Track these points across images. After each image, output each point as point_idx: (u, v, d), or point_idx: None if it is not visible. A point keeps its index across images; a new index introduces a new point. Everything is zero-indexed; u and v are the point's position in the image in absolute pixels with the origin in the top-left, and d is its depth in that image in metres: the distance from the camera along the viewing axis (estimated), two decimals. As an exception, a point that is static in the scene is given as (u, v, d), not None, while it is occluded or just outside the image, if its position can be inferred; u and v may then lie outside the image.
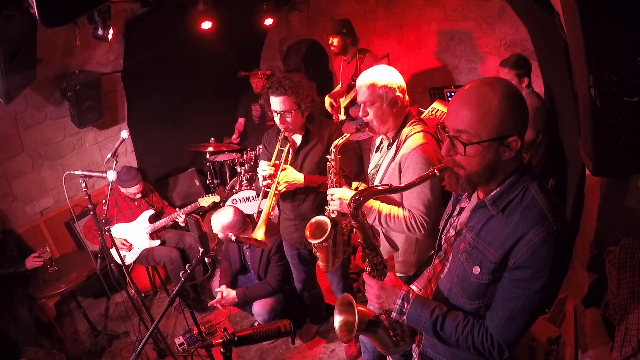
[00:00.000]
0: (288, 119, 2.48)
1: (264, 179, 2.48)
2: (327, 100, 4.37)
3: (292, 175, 2.50)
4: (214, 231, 3.19)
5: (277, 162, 2.53)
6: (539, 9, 2.37)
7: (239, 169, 4.56)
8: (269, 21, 5.03)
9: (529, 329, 1.32)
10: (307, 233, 2.27)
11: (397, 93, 1.97)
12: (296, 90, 2.42)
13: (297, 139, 2.65)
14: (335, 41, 4.09)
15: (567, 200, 2.90)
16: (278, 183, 2.46)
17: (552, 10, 2.16)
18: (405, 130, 2.01)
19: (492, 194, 1.31)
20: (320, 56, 5.99)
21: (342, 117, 4.37)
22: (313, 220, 2.30)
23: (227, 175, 5.00)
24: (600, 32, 1.18)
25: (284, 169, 2.50)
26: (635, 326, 1.66)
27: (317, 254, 2.37)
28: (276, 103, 2.45)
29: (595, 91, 1.24)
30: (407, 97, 2.03)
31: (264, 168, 2.49)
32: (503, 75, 3.17)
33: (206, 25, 4.18)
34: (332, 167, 2.19)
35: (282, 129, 2.53)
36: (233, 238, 3.12)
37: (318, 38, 5.75)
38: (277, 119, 2.51)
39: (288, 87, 2.41)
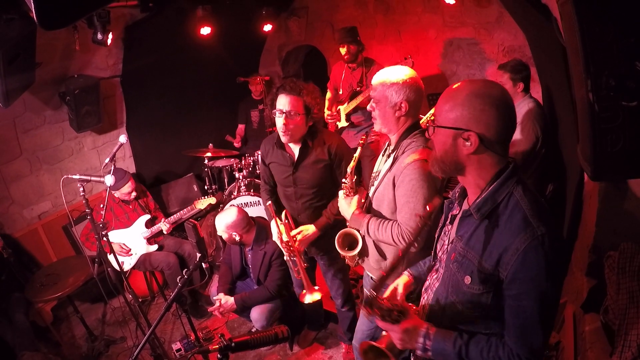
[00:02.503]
0: (292, 122, 2.41)
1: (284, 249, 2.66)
2: (326, 112, 4.42)
3: (307, 235, 2.64)
4: (218, 232, 3.18)
5: (287, 239, 2.63)
6: (536, 14, 2.38)
7: (237, 175, 4.54)
8: (268, 27, 5.05)
9: (550, 331, 1.31)
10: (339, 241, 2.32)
11: (403, 99, 1.92)
12: (308, 94, 2.41)
13: (295, 149, 2.59)
14: (351, 49, 4.13)
15: (566, 205, 2.90)
16: (298, 248, 2.62)
17: (550, 15, 2.17)
18: (405, 143, 1.98)
19: (477, 201, 1.32)
20: (319, 62, 6.00)
21: (343, 124, 4.37)
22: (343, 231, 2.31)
23: (226, 180, 4.99)
24: (598, 37, 1.18)
25: (296, 237, 2.63)
26: (635, 331, 1.65)
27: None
28: (285, 102, 2.38)
29: (594, 95, 1.24)
30: (418, 107, 1.98)
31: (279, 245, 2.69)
32: (498, 77, 3.17)
33: (205, 30, 4.19)
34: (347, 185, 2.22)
35: (282, 132, 2.44)
36: (237, 238, 3.12)
37: (317, 44, 5.78)
38: (279, 121, 2.42)
39: (303, 88, 2.40)
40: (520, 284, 1.22)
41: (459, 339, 1.36)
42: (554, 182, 3.17)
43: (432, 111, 3.72)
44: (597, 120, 1.25)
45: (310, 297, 2.64)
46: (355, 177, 2.21)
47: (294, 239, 2.61)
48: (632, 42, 1.15)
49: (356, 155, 2.18)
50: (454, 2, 4.04)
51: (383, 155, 2.19)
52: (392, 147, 2.07)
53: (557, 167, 3.17)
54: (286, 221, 2.65)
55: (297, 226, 2.73)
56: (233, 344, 1.53)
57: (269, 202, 2.74)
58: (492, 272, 1.27)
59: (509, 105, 1.27)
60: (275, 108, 2.44)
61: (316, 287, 2.68)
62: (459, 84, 1.32)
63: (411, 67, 3.99)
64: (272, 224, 2.74)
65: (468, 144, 1.26)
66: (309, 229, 2.64)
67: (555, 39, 2.15)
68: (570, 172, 2.85)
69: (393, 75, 1.95)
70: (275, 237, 2.69)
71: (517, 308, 1.25)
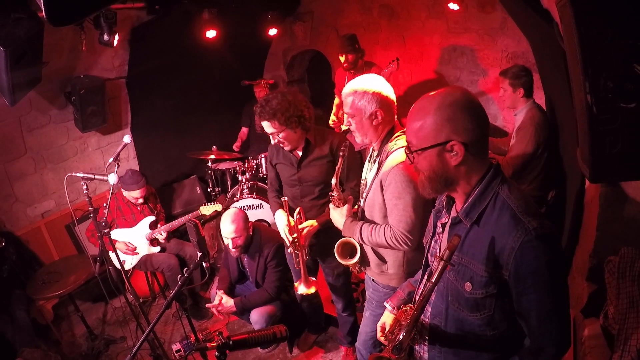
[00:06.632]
0: (280, 138, 2.52)
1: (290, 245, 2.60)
2: (332, 118, 4.47)
3: (310, 230, 2.61)
4: (225, 242, 3.18)
5: (296, 235, 2.58)
6: (539, 20, 2.39)
7: (240, 178, 4.56)
8: (273, 31, 5.08)
9: (569, 321, 1.32)
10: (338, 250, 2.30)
11: (377, 107, 1.95)
12: (280, 113, 2.42)
13: (300, 151, 2.68)
14: (349, 58, 4.21)
15: (567, 211, 2.89)
16: (302, 243, 2.57)
17: (552, 21, 2.18)
18: (389, 146, 2.00)
19: (465, 206, 1.33)
20: (323, 67, 6.03)
21: (345, 127, 4.40)
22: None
23: (229, 183, 5.01)
24: (596, 39, 1.18)
25: (301, 232, 2.57)
26: (635, 336, 1.65)
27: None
28: (265, 126, 2.51)
29: (592, 97, 1.24)
30: (392, 110, 2.01)
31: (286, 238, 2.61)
32: (499, 84, 3.17)
33: (211, 33, 4.23)
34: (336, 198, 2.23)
35: (281, 145, 2.57)
36: (240, 243, 3.12)
37: (322, 49, 5.81)
38: (272, 139, 2.57)
39: (271, 112, 2.42)
40: (525, 280, 1.23)
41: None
42: (555, 188, 3.17)
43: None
44: (595, 122, 1.26)
45: (304, 289, 2.64)
46: (342, 188, 2.25)
47: (301, 233, 2.60)
48: (631, 43, 1.15)
49: (338, 166, 2.17)
50: (458, 8, 4.06)
51: (369, 162, 2.22)
52: (375, 153, 2.10)
53: (558, 173, 3.16)
54: (298, 217, 2.62)
55: None
56: (231, 342, 1.53)
57: (285, 198, 2.66)
58: (492, 275, 1.27)
59: (475, 103, 1.28)
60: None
61: (314, 279, 2.69)
62: (420, 103, 1.31)
63: (396, 70, 4.04)
64: (278, 217, 2.69)
65: (453, 154, 1.26)
66: (312, 223, 2.64)
67: (558, 45, 2.16)
68: (572, 178, 2.85)
69: (361, 87, 1.97)
70: (282, 230, 2.63)
71: (527, 303, 1.26)
